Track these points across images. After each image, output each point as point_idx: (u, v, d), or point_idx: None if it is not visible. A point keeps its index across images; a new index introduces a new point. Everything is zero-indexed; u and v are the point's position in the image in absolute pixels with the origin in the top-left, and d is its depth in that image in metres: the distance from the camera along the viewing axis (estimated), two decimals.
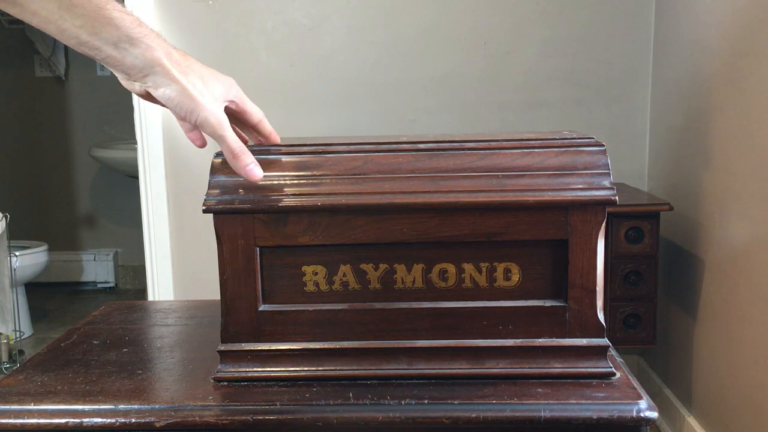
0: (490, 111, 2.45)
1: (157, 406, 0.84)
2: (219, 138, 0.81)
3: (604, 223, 0.84)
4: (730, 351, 1.85)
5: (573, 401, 0.82)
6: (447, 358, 0.87)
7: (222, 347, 0.89)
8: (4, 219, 3.15)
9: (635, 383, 0.86)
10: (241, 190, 0.86)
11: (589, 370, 0.87)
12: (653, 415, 0.81)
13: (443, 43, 2.44)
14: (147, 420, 0.83)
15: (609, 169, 0.85)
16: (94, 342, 1.05)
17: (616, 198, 0.83)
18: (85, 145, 4.24)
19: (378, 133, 2.47)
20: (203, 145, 0.87)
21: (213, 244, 0.89)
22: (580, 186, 0.84)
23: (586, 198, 0.83)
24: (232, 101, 0.85)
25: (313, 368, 0.88)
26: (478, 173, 0.85)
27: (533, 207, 0.84)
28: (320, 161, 0.87)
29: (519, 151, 0.87)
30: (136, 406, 0.84)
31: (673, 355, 2.26)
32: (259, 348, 0.88)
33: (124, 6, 0.79)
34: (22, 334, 3.51)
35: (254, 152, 0.88)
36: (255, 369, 0.89)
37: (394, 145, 0.88)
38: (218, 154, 0.89)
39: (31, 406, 0.85)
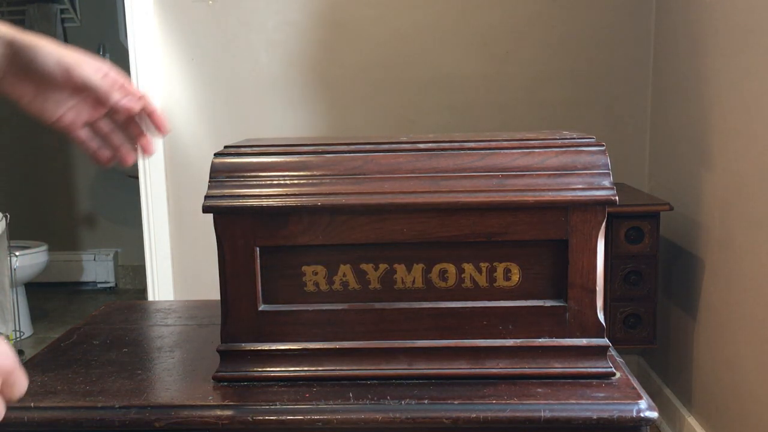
0: (490, 111, 2.45)
1: (157, 406, 0.84)
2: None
3: (604, 223, 0.84)
4: (730, 351, 1.85)
5: (573, 401, 0.82)
6: (447, 358, 0.87)
7: (222, 347, 0.89)
8: (4, 219, 3.15)
9: (635, 383, 0.86)
10: (241, 191, 0.86)
11: (589, 370, 0.87)
12: (653, 415, 0.81)
13: (443, 43, 2.44)
14: (147, 420, 0.83)
15: (609, 169, 0.85)
16: (94, 342, 1.05)
17: (616, 198, 0.83)
18: None
19: (378, 133, 2.47)
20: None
21: (213, 244, 0.89)
22: (580, 186, 0.84)
23: (586, 198, 0.83)
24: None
25: (313, 368, 0.88)
26: (478, 173, 0.85)
27: (533, 207, 0.84)
28: (320, 161, 0.87)
29: (519, 151, 0.87)
30: (136, 406, 0.84)
31: (673, 355, 2.26)
32: (259, 348, 0.88)
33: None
34: (22, 334, 3.50)
35: (254, 152, 0.88)
36: (255, 369, 0.89)
37: (394, 145, 0.88)
38: (218, 154, 0.89)
39: (31, 406, 0.85)
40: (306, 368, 0.88)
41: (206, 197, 0.86)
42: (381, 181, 0.85)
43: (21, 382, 0.69)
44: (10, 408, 0.85)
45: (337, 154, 0.88)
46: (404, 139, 0.91)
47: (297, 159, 0.88)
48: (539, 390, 0.85)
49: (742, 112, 1.76)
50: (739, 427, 1.80)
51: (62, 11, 4.26)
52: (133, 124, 0.84)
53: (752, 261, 1.72)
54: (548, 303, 0.87)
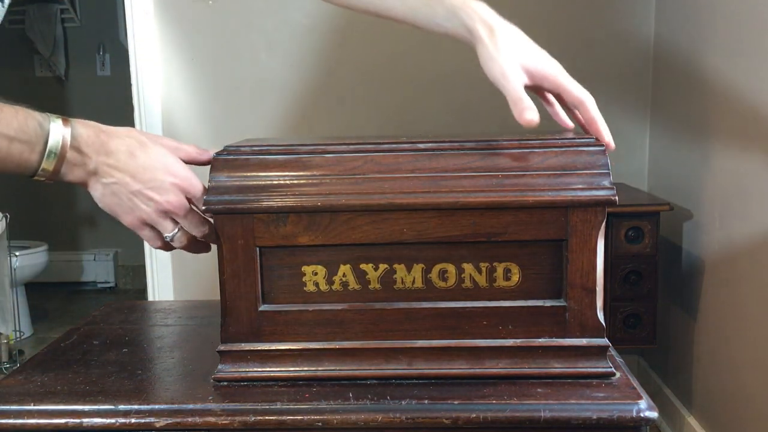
0: (490, 111, 2.45)
1: (157, 406, 0.84)
2: (501, 88, 0.88)
3: (604, 223, 0.84)
4: (730, 351, 1.85)
5: (573, 401, 0.82)
6: (447, 358, 0.87)
7: (222, 347, 0.89)
8: (4, 219, 3.15)
9: (635, 383, 0.86)
10: (241, 190, 0.86)
11: (589, 370, 0.87)
12: (653, 415, 0.81)
13: (443, 42, 2.43)
14: (147, 420, 0.83)
15: (609, 169, 0.85)
16: (94, 342, 1.05)
17: (616, 198, 0.83)
18: None
19: (378, 133, 2.47)
20: None
21: (213, 245, 0.89)
22: (580, 186, 0.84)
23: (585, 198, 0.83)
24: (531, 71, 0.92)
25: (313, 368, 0.88)
26: (478, 173, 0.85)
27: (533, 207, 0.84)
28: (320, 161, 0.87)
29: (519, 151, 0.87)
30: (136, 406, 0.84)
31: (673, 355, 2.26)
32: (259, 348, 0.88)
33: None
34: (22, 334, 3.50)
35: (254, 152, 0.88)
36: (255, 369, 0.89)
37: (394, 145, 0.88)
38: (218, 154, 0.89)
39: (31, 406, 0.85)
40: (306, 368, 0.88)
41: (206, 197, 0.86)
42: (381, 181, 0.85)
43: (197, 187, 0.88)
44: (9, 408, 0.85)
45: (337, 154, 0.88)
46: (404, 139, 0.91)
47: (297, 159, 0.88)
48: (539, 390, 0.85)
49: (742, 112, 1.76)
50: (739, 427, 1.80)
51: (62, 11, 4.26)
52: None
53: (752, 261, 1.72)
54: (548, 303, 0.87)
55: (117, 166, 0.83)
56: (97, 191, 0.85)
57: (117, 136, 0.84)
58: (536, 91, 0.95)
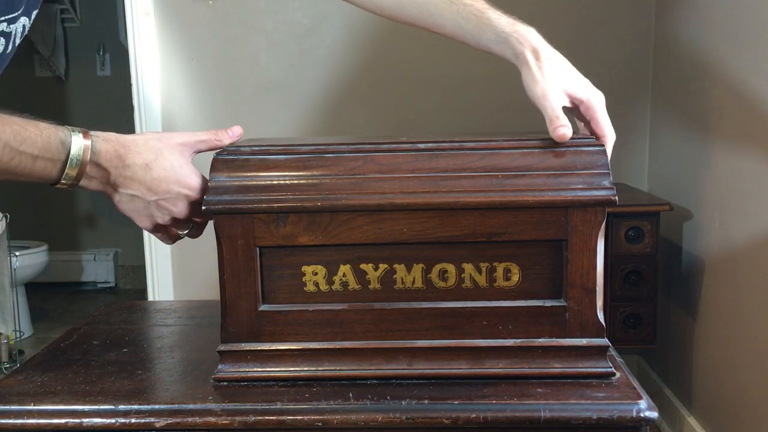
0: (490, 111, 2.45)
1: (157, 407, 0.84)
2: (540, 107, 0.91)
3: (603, 223, 0.84)
4: (730, 351, 1.85)
5: (573, 401, 0.82)
6: (447, 358, 0.87)
7: (222, 347, 0.89)
8: (4, 219, 3.15)
9: (635, 383, 0.86)
10: (241, 190, 0.86)
11: (589, 370, 0.87)
12: (653, 415, 0.81)
13: (443, 42, 2.43)
14: (147, 420, 0.83)
15: (609, 169, 0.85)
16: (94, 342, 1.05)
17: (616, 198, 0.83)
18: None
19: (378, 133, 2.47)
20: None
21: (213, 244, 0.89)
22: (580, 186, 0.84)
23: (585, 198, 0.83)
24: (571, 96, 0.92)
25: (313, 368, 0.88)
26: (478, 173, 0.85)
27: (533, 207, 0.84)
28: (320, 161, 0.87)
29: (519, 151, 0.87)
30: (136, 406, 0.84)
31: (673, 355, 2.26)
32: (259, 348, 0.88)
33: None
34: (22, 334, 3.50)
35: (254, 152, 0.88)
36: (255, 369, 0.89)
37: (394, 145, 0.88)
38: (218, 154, 0.89)
39: (31, 406, 0.85)
40: (306, 368, 0.88)
41: (206, 197, 0.86)
42: (381, 181, 0.85)
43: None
44: (9, 408, 0.85)
45: (337, 154, 0.88)
46: (404, 139, 0.91)
47: (297, 159, 0.88)
48: (539, 390, 0.85)
49: (742, 112, 1.76)
50: (739, 427, 1.80)
51: (62, 11, 4.26)
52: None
53: (752, 261, 1.72)
54: (548, 303, 0.87)
55: (134, 178, 0.88)
56: (115, 198, 0.90)
57: (134, 150, 0.88)
58: (572, 112, 0.97)
